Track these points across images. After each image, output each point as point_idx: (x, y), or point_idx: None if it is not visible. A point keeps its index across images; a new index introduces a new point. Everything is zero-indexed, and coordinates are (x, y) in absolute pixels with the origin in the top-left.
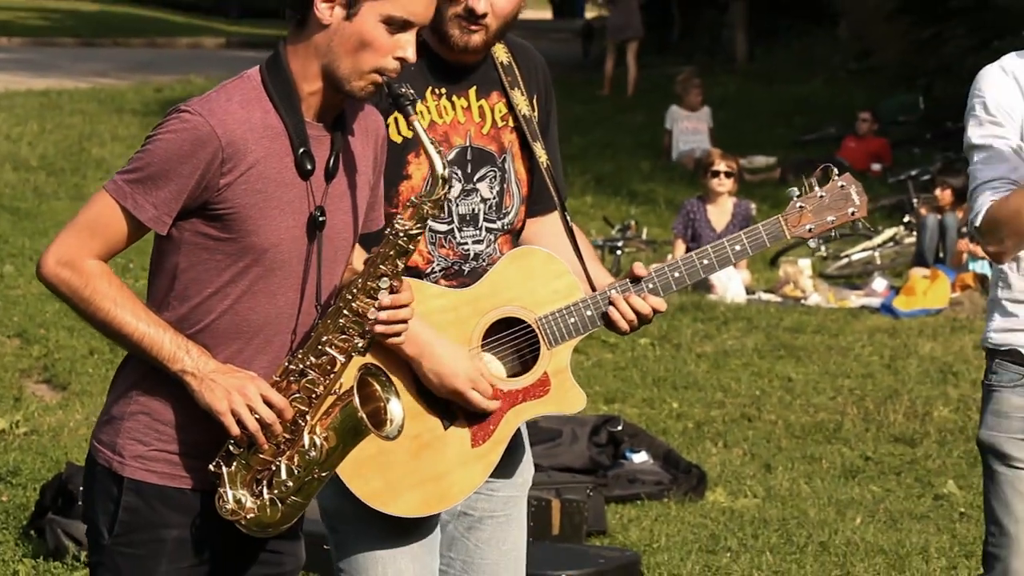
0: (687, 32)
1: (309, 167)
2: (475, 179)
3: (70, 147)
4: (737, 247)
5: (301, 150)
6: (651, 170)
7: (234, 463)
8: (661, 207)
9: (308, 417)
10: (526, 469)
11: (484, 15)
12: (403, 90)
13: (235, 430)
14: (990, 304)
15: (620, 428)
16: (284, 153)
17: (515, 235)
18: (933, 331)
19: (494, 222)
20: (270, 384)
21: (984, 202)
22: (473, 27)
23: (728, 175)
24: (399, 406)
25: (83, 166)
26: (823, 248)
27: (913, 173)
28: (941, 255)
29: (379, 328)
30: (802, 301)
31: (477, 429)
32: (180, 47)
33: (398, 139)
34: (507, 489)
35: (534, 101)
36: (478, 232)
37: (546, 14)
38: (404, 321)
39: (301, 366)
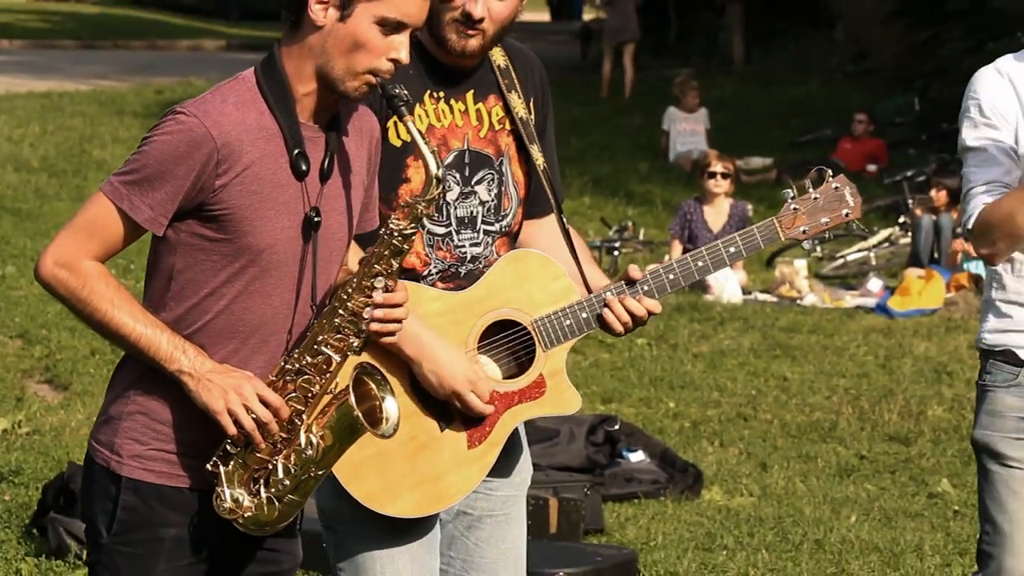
0: (684, 34)
1: (304, 168)
2: (473, 182)
3: (71, 149)
4: (732, 249)
5: (296, 151)
6: (648, 171)
7: (231, 462)
8: (658, 208)
9: (304, 416)
10: (524, 468)
11: (481, 20)
12: (397, 91)
13: (232, 429)
14: (984, 305)
15: (617, 427)
16: (279, 154)
17: (512, 237)
18: (928, 331)
19: (492, 224)
20: (266, 383)
21: (977, 204)
22: (470, 31)
23: (725, 176)
24: (395, 405)
25: (84, 167)
26: (818, 249)
27: (908, 174)
28: (936, 256)
29: (374, 327)
30: (798, 301)
31: (473, 431)
32: (180, 49)
33: (397, 143)
34: (506, 488)
35: (531, 104)
36: (476, 235)
37: (544, 16)
38: (399, 320)
39: (297, 365)
